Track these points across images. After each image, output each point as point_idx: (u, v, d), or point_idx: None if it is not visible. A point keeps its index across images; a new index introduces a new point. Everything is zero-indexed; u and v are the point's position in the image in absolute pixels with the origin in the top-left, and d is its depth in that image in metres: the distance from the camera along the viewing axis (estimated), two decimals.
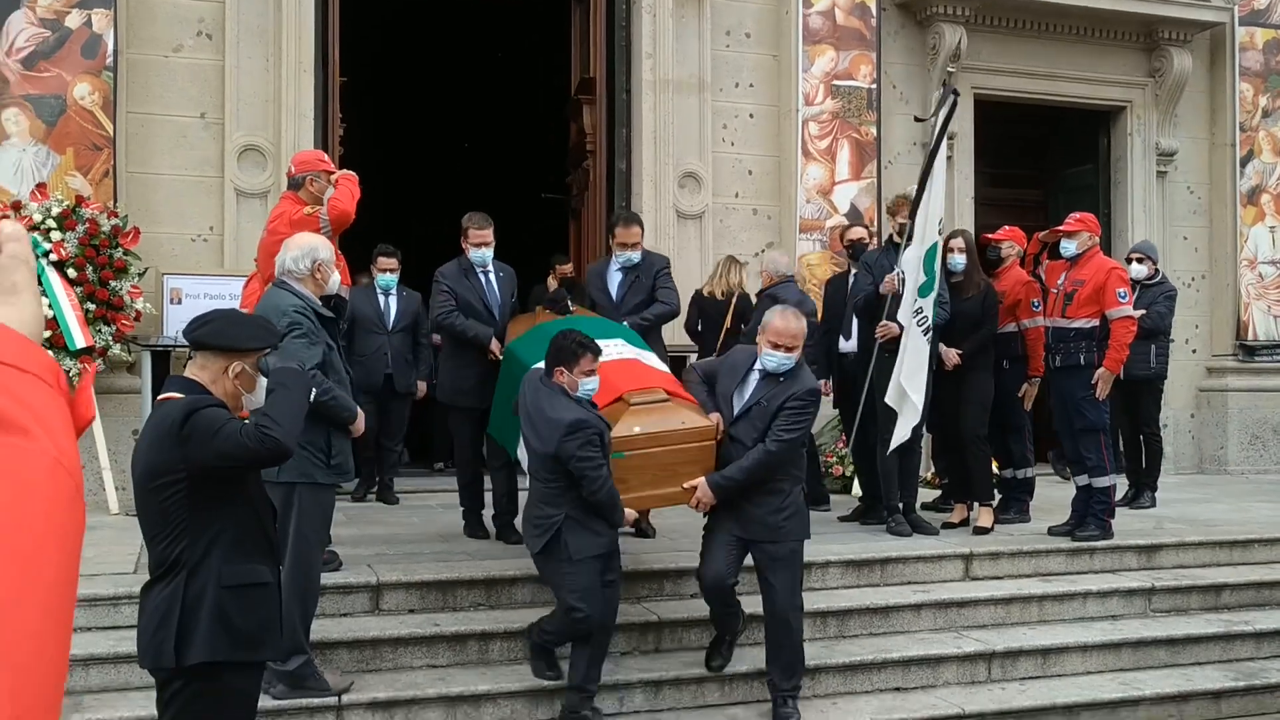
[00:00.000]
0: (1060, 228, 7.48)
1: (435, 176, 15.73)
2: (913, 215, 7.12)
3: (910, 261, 6.99)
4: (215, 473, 3.59)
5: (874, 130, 10.36)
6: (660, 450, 5.32)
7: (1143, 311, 8.14)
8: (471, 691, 5.36)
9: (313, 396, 4.56)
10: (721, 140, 10.12)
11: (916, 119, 9.94)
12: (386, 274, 8.62)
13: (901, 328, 7.06)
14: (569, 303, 6.78)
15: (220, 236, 8.73)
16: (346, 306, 6.05)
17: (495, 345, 6.64)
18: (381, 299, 8.62)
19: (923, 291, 6.98)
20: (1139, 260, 9.05)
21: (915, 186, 7.30)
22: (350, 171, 6.41)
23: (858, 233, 8.38)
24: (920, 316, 6.98)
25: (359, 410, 5.25)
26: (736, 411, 5.36)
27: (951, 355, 7.31)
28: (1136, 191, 11.52)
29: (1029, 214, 11.08)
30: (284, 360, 3.86)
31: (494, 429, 6.56)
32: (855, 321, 7.76)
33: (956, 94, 7.51)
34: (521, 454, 5.68)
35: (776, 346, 5.29)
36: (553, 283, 9.79)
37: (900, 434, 7.00)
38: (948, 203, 7.45)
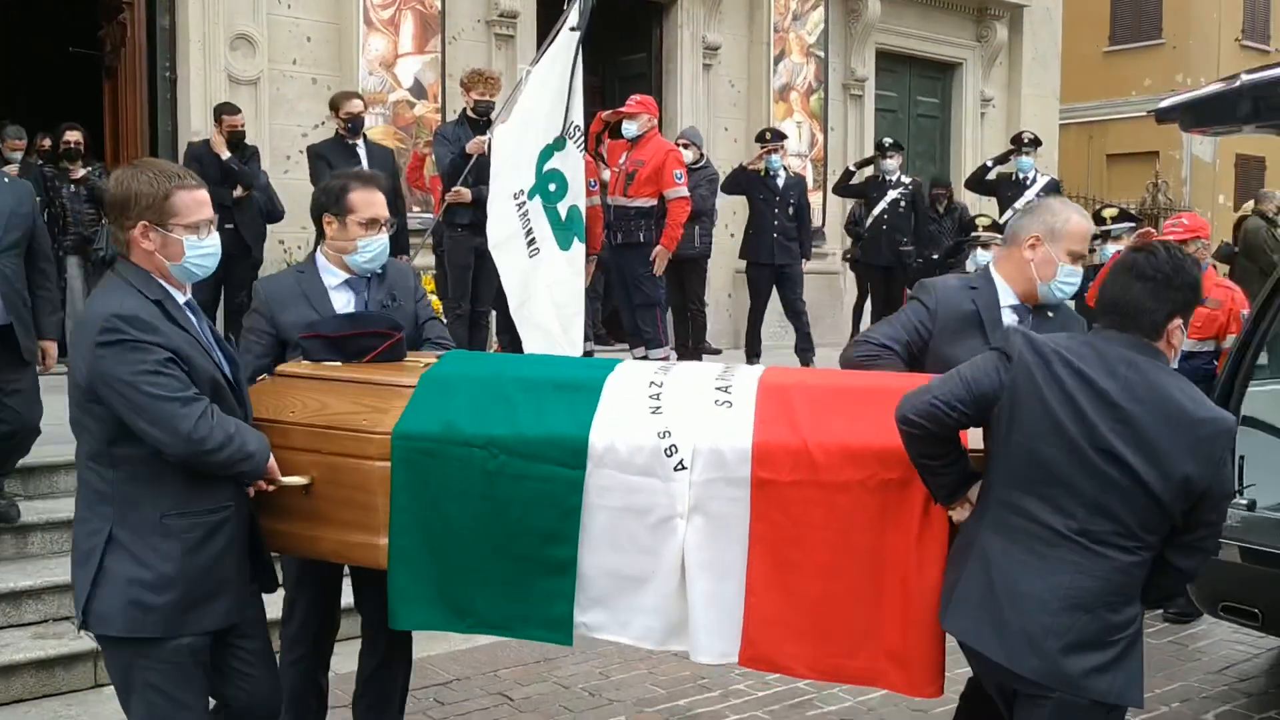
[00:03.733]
0: (622, 109, 7.75)
1: None
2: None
3: (510, 147, 6.75)
4: None
5: (438, 3, 10.15)
6: None
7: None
8: (11, 588, 4.88)
9: None
10: (278, 1, 9.52)
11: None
12: None
13: (475, 202, 7.01)
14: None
15: None
16: None
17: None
18: None
19: (532, 193, 6.73)
20: (686, 146, 9.57)
21: (529, 67, 7.02)
22: None
23: (356, 106, 7.98)
24: (524, 216, 6.68)
25: None
26: None
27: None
28: (685, 82, 12.14)
29: (588, 98, 11.34)
30: None
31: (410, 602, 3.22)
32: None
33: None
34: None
35: (1077, 259, 3.40)
36: (217, 139, 8.04)
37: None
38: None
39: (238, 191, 7.97)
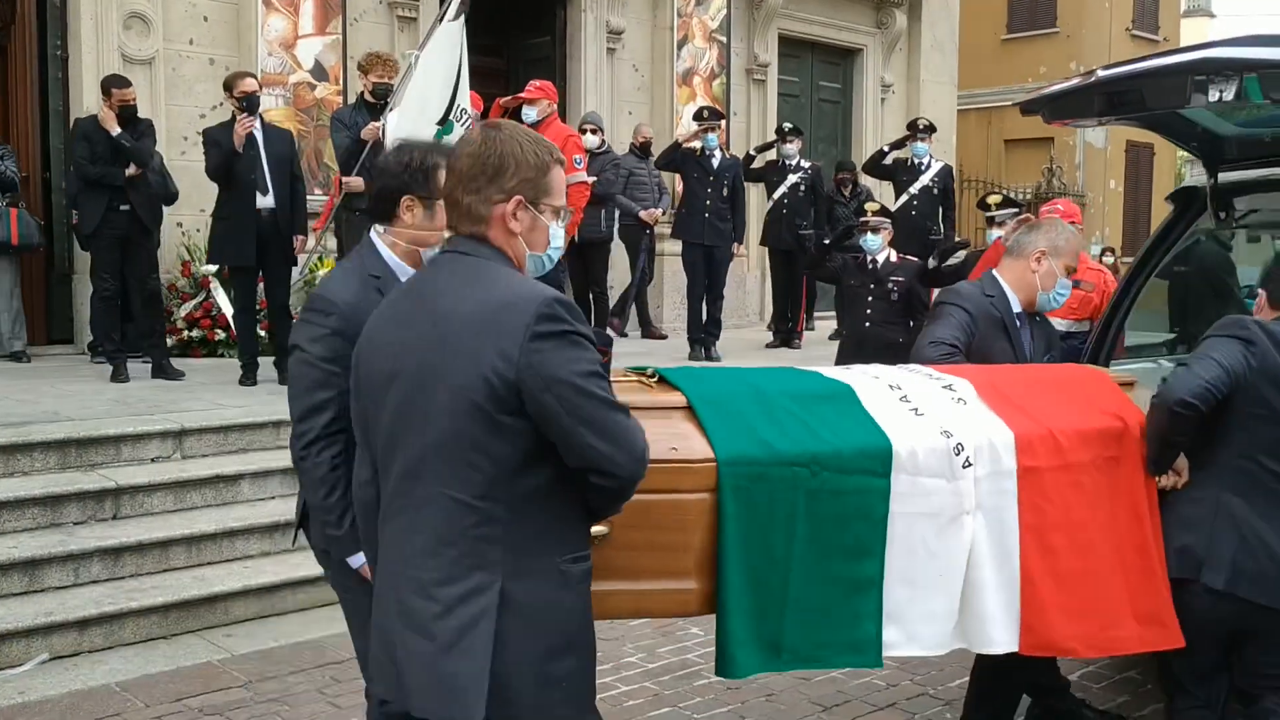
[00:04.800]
0: (522, 94, 7.81)
1: None
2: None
3: (405, 133, 6.85)
4: None
5: None
6: None
7: (595, 178, 8.73)
8: None
9: None
10: None
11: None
12: None
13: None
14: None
15: None
16: None
17: None
18: None
19: None
20: (592, 131, 9.68)
21: (416, 53, 7.07)
22: None
23: (250, 84, 7.72)
24: None
25: None
26: None
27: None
28: (589, 66, 12.21)
29: (492, 81, 11.41)
30: None
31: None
32: (270, 177, 7.58)
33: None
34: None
35: (1071, 273, 3.93)
36: (107, 114, 7.47)
37: None
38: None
39: (130, 170, 7.58)
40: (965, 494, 3.01)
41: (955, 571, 3.02)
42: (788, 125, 11.33)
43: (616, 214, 10.48)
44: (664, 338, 11.68)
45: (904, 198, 10.65)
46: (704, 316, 9.94)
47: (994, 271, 3.92)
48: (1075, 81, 4.19)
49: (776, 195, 11.00)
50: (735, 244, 10.24)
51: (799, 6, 14.14)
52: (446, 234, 2.68)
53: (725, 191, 9.88)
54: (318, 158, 9.91)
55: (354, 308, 2.76)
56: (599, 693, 4.59)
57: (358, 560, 2.83)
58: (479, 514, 2.18)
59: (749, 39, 13.72)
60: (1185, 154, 30.36)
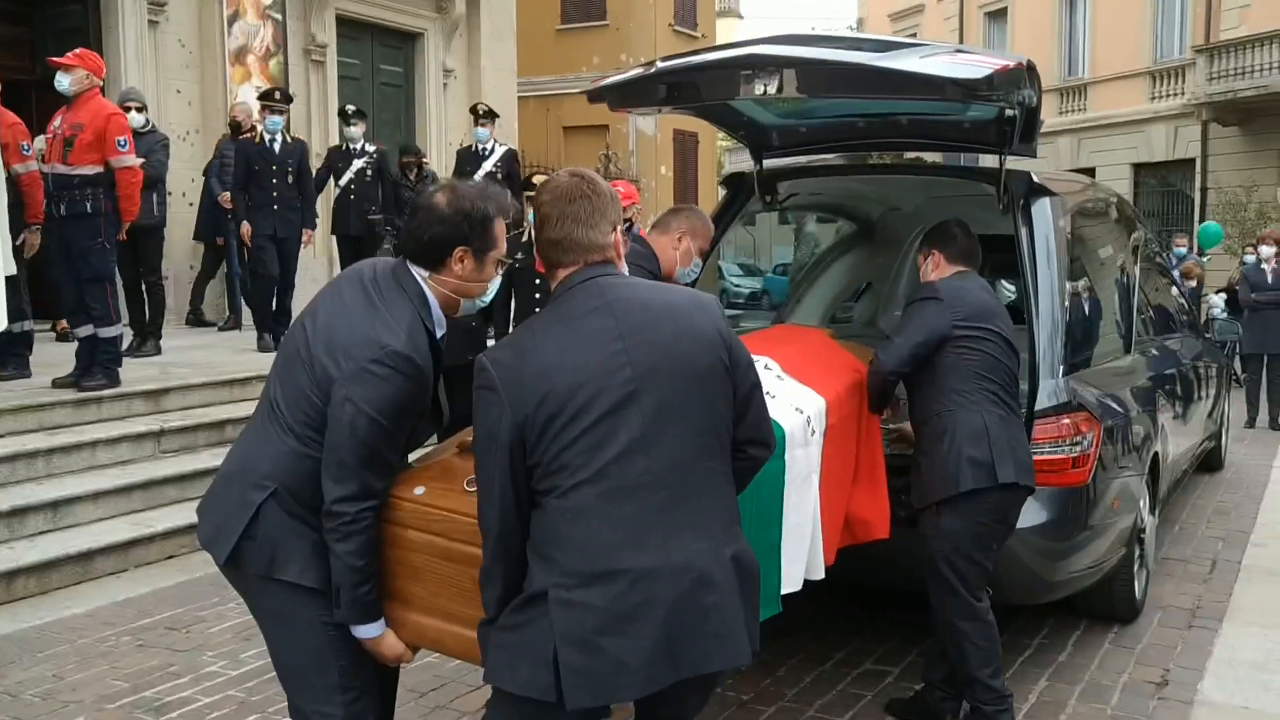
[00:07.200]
0: (59, 59, 7.07)
1: None
2: None
3: None
4: None
5: None
6: None
7: (143, 160, 8.08)
8: None
9: None
10: None
11: None
12: None
13: None
14: None
15: None
16: None
17: None
18: None
19: None
20: (137, 109, 8.99)
21: None
22: None
23: None
24: None
25: None
26: None
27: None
28: (129, 39, 11.33)
29: (15, 51, 10.33)
30: None
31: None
32: None
33: None
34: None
35: (703, 255, 4.27)
36: None
37: None
38: None
39: None
40: (814, 457, 3.58)
41: (809, 521, 3.59)
42: (350, 107, 11.05)
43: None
44: (211, 324, 11.37)
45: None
46: (274, 307, 9.58)
47: (644, 237, 4.17)
48: (637, 71, 4.39)
49: (344, 181, 10.72)
50: (306, 231, 9.93)
51: None
52: (492, 283, 2.84)
53: (291, 179, 9.56)
54: None
55: (426, 361, 2.70)
56: (180, 707, 4.33)
57: (375, 630, 2.75)
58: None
59: (305, 18, 13.27)
60: (725, 143, 32.84)
